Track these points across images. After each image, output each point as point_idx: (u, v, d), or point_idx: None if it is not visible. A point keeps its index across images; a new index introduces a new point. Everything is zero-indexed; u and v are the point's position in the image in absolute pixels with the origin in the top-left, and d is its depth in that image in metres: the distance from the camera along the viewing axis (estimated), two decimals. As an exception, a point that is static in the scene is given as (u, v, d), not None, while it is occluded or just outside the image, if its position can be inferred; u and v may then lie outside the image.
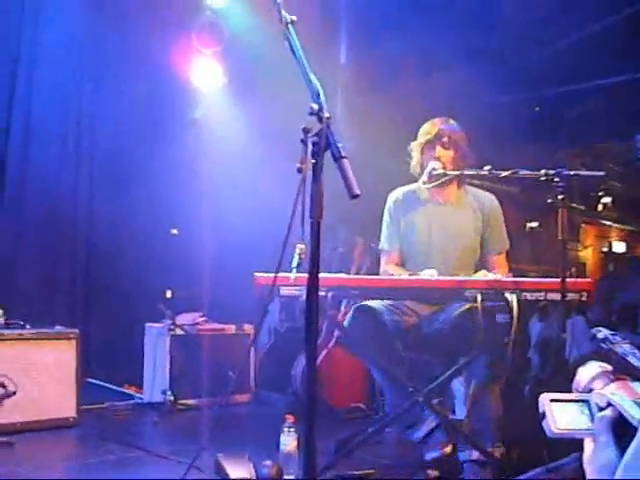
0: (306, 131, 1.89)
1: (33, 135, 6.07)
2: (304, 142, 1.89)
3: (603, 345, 1.46)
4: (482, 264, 3.94)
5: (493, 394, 3.59)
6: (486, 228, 3.94)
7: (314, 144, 1.88)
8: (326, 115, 1.90)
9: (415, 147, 3.94)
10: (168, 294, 5.51)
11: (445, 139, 3.82)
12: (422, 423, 3.73)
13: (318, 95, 1.94)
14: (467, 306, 3.51)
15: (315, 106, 1.91)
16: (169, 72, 6.47)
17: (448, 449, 3.63)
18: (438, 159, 3.79)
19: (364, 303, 3.69)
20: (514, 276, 3.52)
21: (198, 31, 6.41)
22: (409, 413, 3.73)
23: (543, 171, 3.23)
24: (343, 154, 1.87)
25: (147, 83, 6.51)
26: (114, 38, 6.44)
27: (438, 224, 3.93)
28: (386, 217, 4.07)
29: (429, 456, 3.65)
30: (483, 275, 3.55)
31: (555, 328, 3.13)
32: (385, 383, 3.82)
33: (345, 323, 3.74)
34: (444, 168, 3.77)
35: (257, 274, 3.20)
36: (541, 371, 3.34)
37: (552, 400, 1.35)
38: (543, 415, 1.34)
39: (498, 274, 3.58)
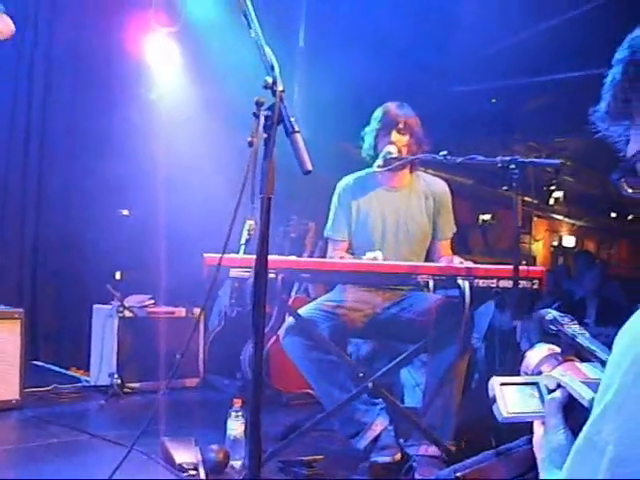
0: (259, 104, 1.84)
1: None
2: (256, 115, 1.83)
3: (552, 327, 1.45)
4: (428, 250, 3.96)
5: (456, 387, 3.58)
6: (437, 214, 3.94)
7: (267, 118, 1.83)
8: (280, 88, 1.84)
9: (369, 131, 3.91)
10: (117, 275, 5.41)
11: (401, 124, 3.79)
12: (366, 430, 3.65)
13: (272, 68, 1.88)
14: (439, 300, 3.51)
15: (269, 79, 1.85)
16: (125, 52, 6.36)
17: (398, 456, 3.58)
18: (394, 144, 3.76)
19: (297, 317, 3.59)
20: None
21: (155, 11, 6.31)
22: (351, 422, 3.69)
23: (499, 158, 3.23)
24: (296, 128, 1.82)
25: (102, 62, 6.39)
26: (69, 14, 6.31)
27: (391, 210, 3.91)
28: (335, 204, 4.00)
29: (379, 460, 3.57)
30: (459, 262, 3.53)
31: (507, 318, 3.13)
32: (324, 399, 3.72)
33: (281, 342, 3.69)
34: (399, 153, 3.75)
35: (206, 254, 3.15)
36: (492, 360, 3.35)
37: (502, 384, 1.33)
38: (493, 399, 1.32)
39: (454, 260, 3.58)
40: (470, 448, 3.52)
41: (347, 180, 4.03)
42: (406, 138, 3.79)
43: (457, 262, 3.50)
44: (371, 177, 3.98)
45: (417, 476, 3.42)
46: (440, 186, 4.01)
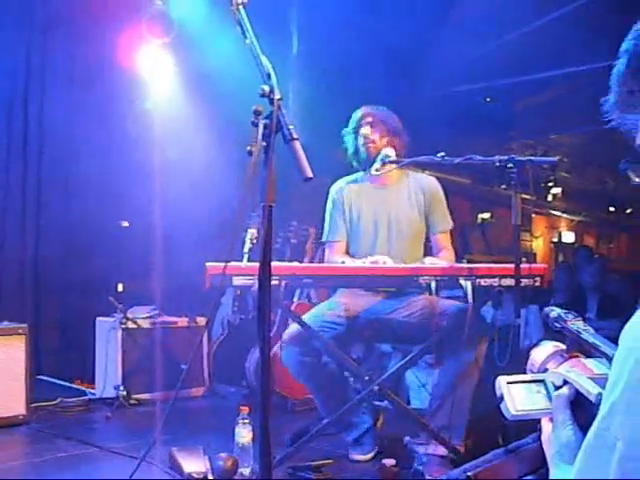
0: (257, 113, 1.84)
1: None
2: (255, 124, 1.84)
3: (556, 324, 1.46)
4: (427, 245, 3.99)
5: (468, 386, 3.59)
6: (429, 208, 3.97)
7: (265, 126, 1.84)
8: (277, 96, 1.85)
9: (346, 133, 4.00)
10: (119, 287, 5.41)
11: (369, 118, 3.91)
12: (355, 427, 3.89)
13: (269, 76, 1.89)
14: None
15: (266, 88, 1.86)
16: (120, 63, 6.36)
17: (369, 455, 3.86)
18: (363, 136, 3.87)
19: (300, 322, 3.60)
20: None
21: (148, 21, 6.31)
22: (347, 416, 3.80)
23: (497, 157, 3.24)
24: (295, 136, 1.83)
25: (97, 74, 6.39)
26: (63, 27, 6.33)
27: (382, 207, 3.96)
28: (330, 208, 4.06)
29: (354, 457, 3.86)
30: (430, 262, 3.55)
31: (510, 314, 3.14)
32: (321, 409, 3.87)
33: (281, 356, 3.74)
34: (375, 149, 3.85)
35: (208, 264, 3.15)
36: (498, 359, 3.35)
37: (508, 382, 1.34)
38: (501, 398, 1.33)
39: (445, 256, 3.59)
40: (477, 447, 3.53)
41: (339, 184, 4.10)
42: (377, 129, 3.87)
43: (428, 262, 3.54)
44: (361, 178, 4.06)
45: (427, 477, 3.43)
46: (430, 182, 4.05)
